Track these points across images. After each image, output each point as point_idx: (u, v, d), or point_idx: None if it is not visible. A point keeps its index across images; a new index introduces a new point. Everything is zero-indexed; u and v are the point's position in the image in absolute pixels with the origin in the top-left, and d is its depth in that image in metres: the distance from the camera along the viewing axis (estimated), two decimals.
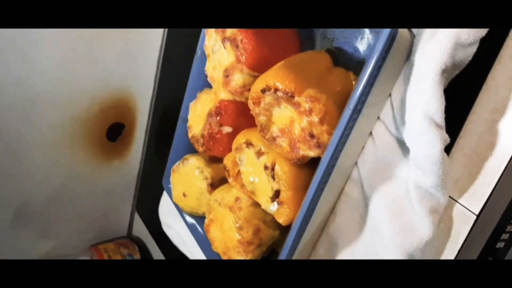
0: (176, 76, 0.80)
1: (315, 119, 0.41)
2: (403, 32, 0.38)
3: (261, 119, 0.46)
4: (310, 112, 0.41)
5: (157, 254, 0.95)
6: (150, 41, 0.83)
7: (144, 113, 0.91)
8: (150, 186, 0.95)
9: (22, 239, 0.89)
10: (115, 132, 0.90)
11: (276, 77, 0.43)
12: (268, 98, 0.44)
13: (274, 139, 0.46)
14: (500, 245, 0.43)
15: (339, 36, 0.48)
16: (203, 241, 0.60)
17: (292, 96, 0.42)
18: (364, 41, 0.46)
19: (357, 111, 0.39)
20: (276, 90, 0.42)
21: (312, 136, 0.42)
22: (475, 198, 0.39)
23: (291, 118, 0.44)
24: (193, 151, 0.62)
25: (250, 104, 0.46)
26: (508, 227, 0.42)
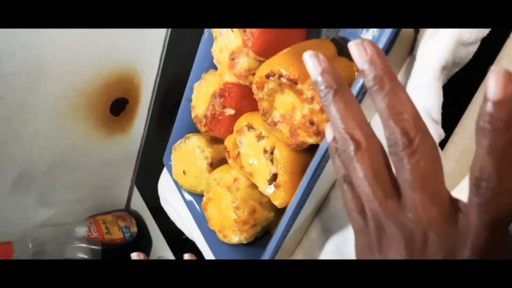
0: (182, 56, 0.81)
1: (316, 107, 0.42)
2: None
3: (263, 104, 0.47)
4: (312, 100, 0.43)
5: (154, 228, 0.97)
6: None
7: (148, 90, 0.92)
8: (150, 162, 0.96)
9: (22, 204, 0.91)
10: (119, 106, 0.90)
11: (281, 63, 0.44)
12: (271, 83, 0.45)
13: (275, 124, 0.47)
14: None
15: None
16: (200, 218, 0.62)
17: (296, 83, 0.43)
18: (369, 33, 0.47)
19: (358, 101, 0.40)
20: (280, 76, 0.43)
21: (312, 123, 0.43)
22: (465, 191, 0.41)
23: (293, 105, 0.45)
24: (195, 130, 0.63)
25: (254, 88, 0.48)
26: None
